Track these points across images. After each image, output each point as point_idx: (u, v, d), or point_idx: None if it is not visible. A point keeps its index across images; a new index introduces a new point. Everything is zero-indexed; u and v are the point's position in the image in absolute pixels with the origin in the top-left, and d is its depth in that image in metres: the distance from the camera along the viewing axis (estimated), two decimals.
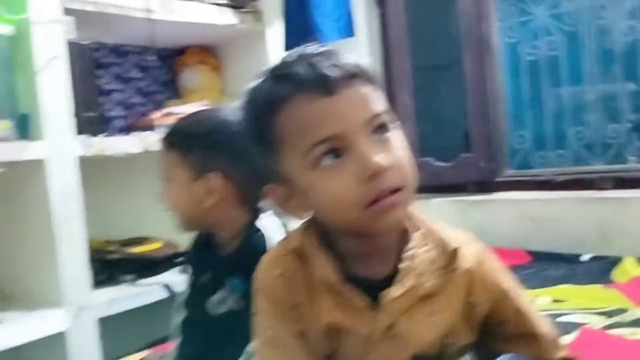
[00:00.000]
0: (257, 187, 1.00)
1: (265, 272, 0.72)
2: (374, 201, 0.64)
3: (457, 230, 0.74)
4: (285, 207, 0.72)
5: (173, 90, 2.19)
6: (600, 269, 1.56)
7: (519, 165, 2.00)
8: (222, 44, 2.19)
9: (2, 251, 1.59)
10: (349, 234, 0.69)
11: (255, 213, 1.01)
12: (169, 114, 1.84)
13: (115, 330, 1.57)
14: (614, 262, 1.55)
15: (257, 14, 2.02)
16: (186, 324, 1.06)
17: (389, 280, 0.69)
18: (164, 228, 1.95)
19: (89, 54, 1.60)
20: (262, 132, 0.69)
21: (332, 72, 0.65)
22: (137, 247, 1.81)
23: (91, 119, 1.59)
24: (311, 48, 0.68)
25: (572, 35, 1.85)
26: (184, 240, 1.88)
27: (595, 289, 1.43)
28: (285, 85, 0.66)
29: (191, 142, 1.01)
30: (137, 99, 2.10)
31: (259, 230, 0.98)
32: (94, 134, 1.57)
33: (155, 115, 1.86)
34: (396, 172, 0.65)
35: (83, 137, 1.53)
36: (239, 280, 0.96)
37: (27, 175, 1.47)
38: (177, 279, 1.72)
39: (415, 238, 0.71)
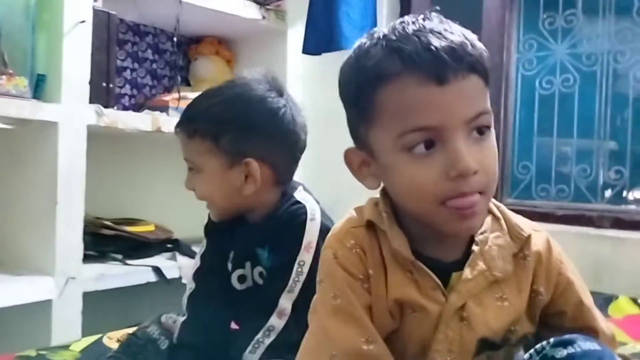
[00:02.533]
0: (292, 165, 0.99)
1: (338, 241, 0.69)
2: (452, 198, 0.61)
3: (523, 218, 0.74)
4: (358, 172, 0.70)
5: (183, 77, 2.17)
6: (596, 305, 1.56)
7: (520, 195, 2.01)
8: (240, 37, 2.18)
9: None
10: (420, 222, 0.67)
11: (287, 189, 0.98)
12: (182, 98, 1.82)
13: (99, 306, 1.54)
14: (609, 299, 1.56)
15: (280, 13, 2.02)
16: (193, 297, 1.01)
17: (458, 264, 0.68)
18: (157, 212, 1.95)
19: (113, 25, 1.58)
20: (359, 98, 0.65)
21: (451, 61, 0.60)
22: (131, 227, 1.77)
23: (106, 90, 1.57)
24: (435, 22, 0.63)
25: (588, 75, 1.87)
26: (176, 226, 1.90)
27: None
28: (396, 61, 0.61)
29: (220, 127, 0.93)
30: (147, 80, 2.08)
31: (298, 202, 0.94)
32: (107, 106, 1.54)
33: (168, 97, 1.84)
34: (482, 177, 0.62)
35: (96, 106, 1.51)
36: (266, 251, 0.94)
37: (37, 137, 1.44)
38: (166, 264, 1.70)
39: (486, 223, 0.69)
